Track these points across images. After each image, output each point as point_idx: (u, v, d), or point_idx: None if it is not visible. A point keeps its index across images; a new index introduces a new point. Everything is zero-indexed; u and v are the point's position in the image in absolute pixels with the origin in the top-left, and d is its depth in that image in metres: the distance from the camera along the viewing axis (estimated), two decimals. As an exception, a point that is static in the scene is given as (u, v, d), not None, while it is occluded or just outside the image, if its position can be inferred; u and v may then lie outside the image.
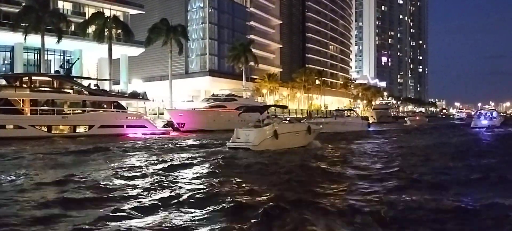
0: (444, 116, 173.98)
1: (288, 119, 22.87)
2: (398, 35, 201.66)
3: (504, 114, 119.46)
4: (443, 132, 38.96)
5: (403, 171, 12.02)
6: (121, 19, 50.01)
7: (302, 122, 34.30)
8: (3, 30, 41.87)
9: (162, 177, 10.95)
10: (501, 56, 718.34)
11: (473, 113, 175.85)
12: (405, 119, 76.36)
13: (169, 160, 15.03)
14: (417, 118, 73.20)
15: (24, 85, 29.82)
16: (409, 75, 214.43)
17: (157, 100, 50.69)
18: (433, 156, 16.73)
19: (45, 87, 30.85)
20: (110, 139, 26.14)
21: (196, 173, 12.01)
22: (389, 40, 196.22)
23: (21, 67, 44.62)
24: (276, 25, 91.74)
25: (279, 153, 17.18)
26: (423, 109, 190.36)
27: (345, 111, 47.76)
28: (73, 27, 46.26)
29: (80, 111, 31.39)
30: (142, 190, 9.09)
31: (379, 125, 62.91)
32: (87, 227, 6.13)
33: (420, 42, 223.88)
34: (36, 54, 47.14)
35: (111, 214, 6.88)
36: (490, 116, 50.66)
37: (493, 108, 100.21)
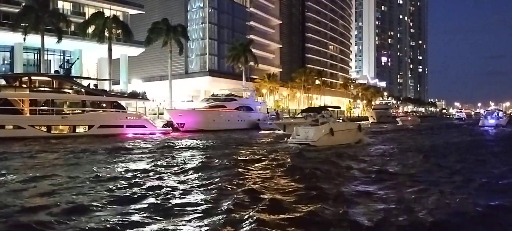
0: (445, 116, 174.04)
1: (341, 118, 24.19)
2: (398, 35, 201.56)
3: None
4: (437, 133, 38.21)
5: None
6: (121, 19, 49.95)
7: (269, 122, 34.65)
8: (3, 30, 41.82)
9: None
10: (501, 56, 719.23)
11: (472, 113, 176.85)
12: (397, 119, 74.88)
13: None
14: (409, 118, 71.98)
15: (24, 85, 29.82)
16: (409, 75, 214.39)
17: (158, 100, 50.67)
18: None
19: (44, 87, 30.84)
20: (121, 139, 26.23)
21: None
22: (389, 40, 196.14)
23: (21, 67, 44.58)
24: (276, 25, 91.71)
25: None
26: (423, 109, 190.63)
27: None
28: (73, 27, 46.22)
29: (80, 111, 31.38)
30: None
31: (376, 125, 62.63)
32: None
33: (420, 42, 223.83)
34: (36, 54, 47.12)
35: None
36: (497, 116, 53.61)
37: (500, 109, 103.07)
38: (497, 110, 64.03)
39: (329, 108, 25.33)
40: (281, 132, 34.86)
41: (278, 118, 36.87)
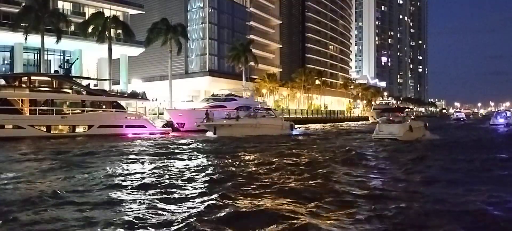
0: (447, 115, 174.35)
1: (413, 117, 30.98)
2: (398, 35, 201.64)
3: None
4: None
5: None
6: (121, 19, 49.95)
7: (196, 124, 33.50)
8: (3, 30, 41.80)
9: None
10: (501, 56, 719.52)
11: (471, 114, 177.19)
12: (377, 119, 68.48)
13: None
14: (391, 118, 68.02)
15: (23, 85, 29.76)
16: (409, 75, 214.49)
17: (158, 100, 50.65)
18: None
19: (44, 87, 30.81)
20: (121, 139, 26.19)
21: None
22: (389, 40, 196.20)
23: (21, 67, 44.57)
24: (275, 25, 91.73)
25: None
26: (423, 109, 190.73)
27: (260, 111, 37.99)
28: (73, 27, 46.23)
29: (79, 111, 31.37)
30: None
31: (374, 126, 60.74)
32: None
33: (420, 42, 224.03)
34: (36, 54, 47.13)
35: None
36: (505, 115, 59.30)
37: (508, 109, 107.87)
38: (505, 111, 71.27)
39: (406, 109, 31.02)
40: (211, 134, 30.92)
41: (208, 119, 33.25)
